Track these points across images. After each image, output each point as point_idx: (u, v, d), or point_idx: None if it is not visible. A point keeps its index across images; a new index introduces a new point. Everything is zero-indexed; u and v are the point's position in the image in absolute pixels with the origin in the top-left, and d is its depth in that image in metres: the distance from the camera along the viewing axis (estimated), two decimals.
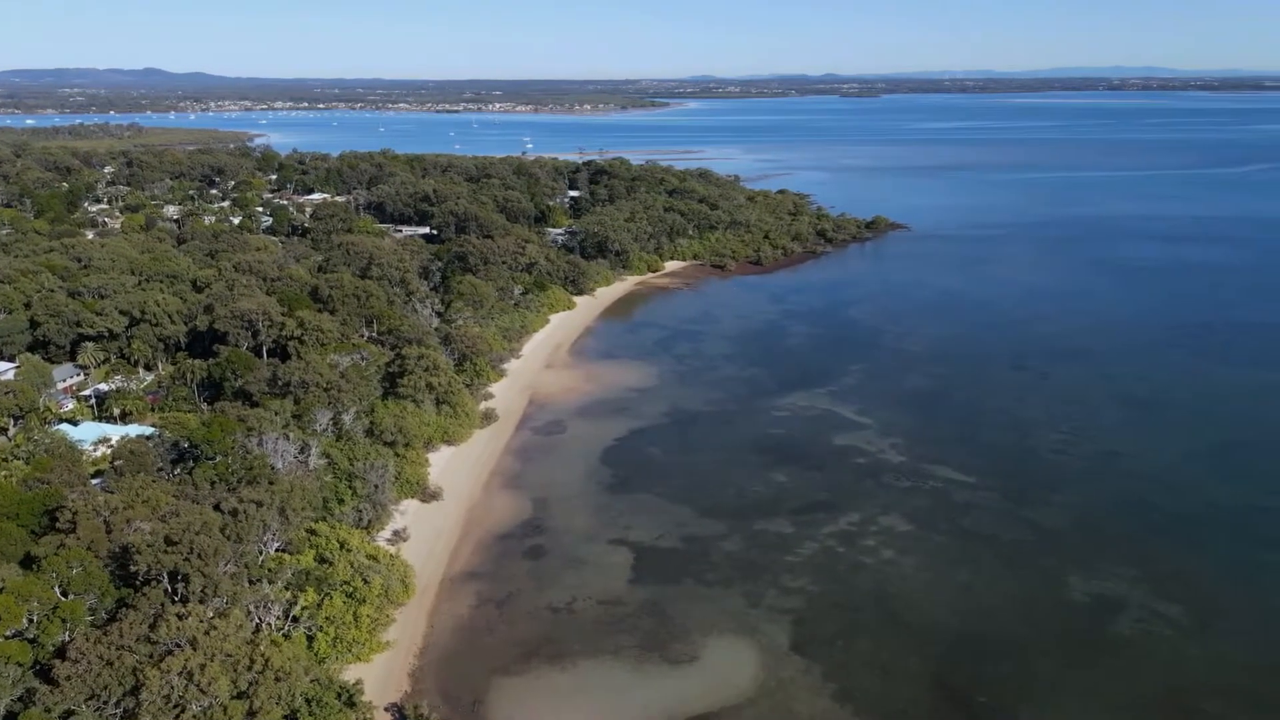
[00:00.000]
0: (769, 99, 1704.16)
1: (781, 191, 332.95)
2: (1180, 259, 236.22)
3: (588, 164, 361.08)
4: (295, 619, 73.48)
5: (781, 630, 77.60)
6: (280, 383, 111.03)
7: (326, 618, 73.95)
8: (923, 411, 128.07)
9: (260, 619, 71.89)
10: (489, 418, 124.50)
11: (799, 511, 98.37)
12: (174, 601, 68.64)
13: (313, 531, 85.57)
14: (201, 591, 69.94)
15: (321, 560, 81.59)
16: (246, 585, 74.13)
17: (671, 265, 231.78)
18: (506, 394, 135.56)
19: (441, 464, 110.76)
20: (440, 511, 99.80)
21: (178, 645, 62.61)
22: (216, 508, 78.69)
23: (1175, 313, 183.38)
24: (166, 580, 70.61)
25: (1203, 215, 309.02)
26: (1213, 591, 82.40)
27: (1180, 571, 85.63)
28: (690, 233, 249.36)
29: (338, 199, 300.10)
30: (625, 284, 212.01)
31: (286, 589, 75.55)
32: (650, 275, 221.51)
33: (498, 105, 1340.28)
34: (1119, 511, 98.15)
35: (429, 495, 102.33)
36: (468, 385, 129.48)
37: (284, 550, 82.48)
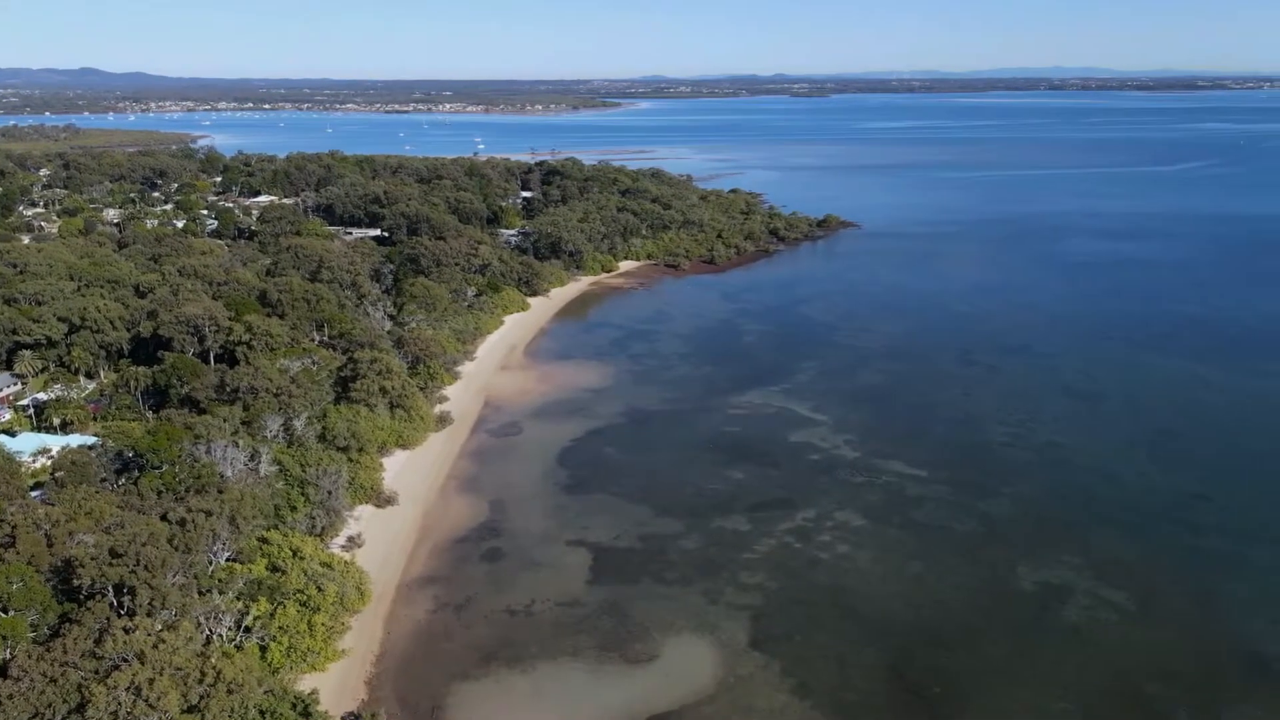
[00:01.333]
0: (720, 99, 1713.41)
1: (734, 191, 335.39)
2: (1119, 254, 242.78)
3: (540, 164, 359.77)
4: (247, 629, 72.11)
5: (740, 627, 78.15)
6: (228, 389, 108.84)
7: (280, 627, 72.69)
8: (875, 407, 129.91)
9: (211, 630, 70.41)
10: (444, 421, 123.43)
11: (756, 508, 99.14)
12: (120, 615, 66.88)
13: (264, 540, 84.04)
14: (149, 604, 68.25)
15: (274, 569, 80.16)
16: (196, 596, 72.54)
17: (626, 265, 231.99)
18: (461, 396, 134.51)
19: (396, 468, 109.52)
20: (395, 516, 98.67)
21: (125, 660, 61.02)
22: (164, 518, 76.86)
23: (1114, 306, 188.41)
24: (112, 593, 68.79)
25: (1140, 211, 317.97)
26: (1152, 577, 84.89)
27: (1122, 558, 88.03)
28: (644, 232, 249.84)
29: (285, 201, 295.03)
30: (580, 284, 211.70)
31: (238, 599, 74.09)
32: (604, 275, 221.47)
33: (448, 106, 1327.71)
34: (1064, 501, 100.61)
35: (384, 500, 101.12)
36: (422, 388, 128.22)
37: (235, 560, 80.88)
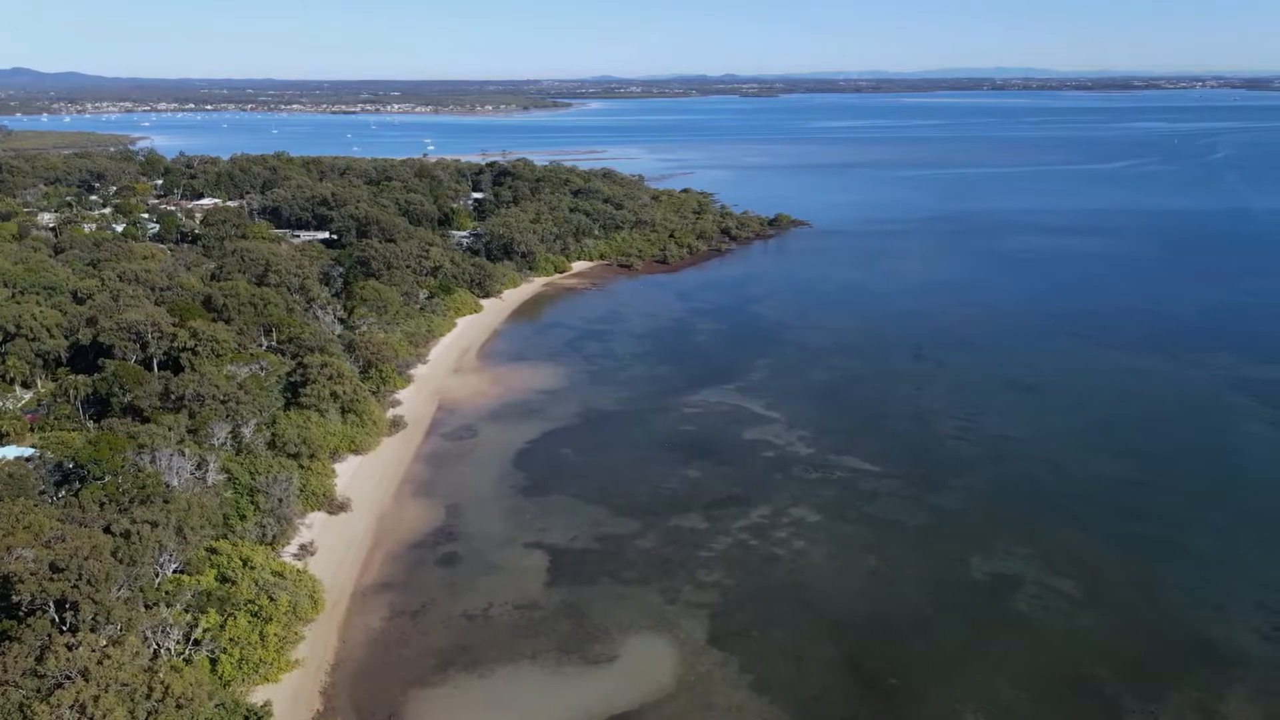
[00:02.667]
0: (670, 99, 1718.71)
1: (685, 190, 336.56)
2: (1061, 250, 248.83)
3: (491, 165, 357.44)
4: (197, 642, 70.47)
5: (698, 625, 78.46)
6: (173, 396, 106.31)
7: (230, 639, 71.17)
8: (828, 403, 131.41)
9: (158, 644, 68.67)
10: (397, 425, 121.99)
11: (712, 506, 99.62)
12: (62, 631, 64.89)
13: (213, 550, 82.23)
14: (93, 619, 66.33)
15: (224, 579, 78.49)
16: (142, 610, 70.68)
17: (579, 266, 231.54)
18: (414, 400, 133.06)
19: (349, 474, 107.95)
20: (349, 523, 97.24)
21: (68, 677, 59.23)
22: (107, 530, 74.76)
23: (1057, 301, 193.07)
24: (53, 609, 66.71)
25: (1080, 208, 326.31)
26: (1099, 564, 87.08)
27: (1070, 547, 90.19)
28: (596, 233, 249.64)
29: (230, 204, 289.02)
30: (533, 285, 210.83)
31: (186, 611, 72.38)
32: (558, 276, 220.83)
33: (396, 106, 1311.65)
34: (1012, 492, 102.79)
35: (337, 507, 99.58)
36: (374, 393, 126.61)
37: (182, 571, 78.98)
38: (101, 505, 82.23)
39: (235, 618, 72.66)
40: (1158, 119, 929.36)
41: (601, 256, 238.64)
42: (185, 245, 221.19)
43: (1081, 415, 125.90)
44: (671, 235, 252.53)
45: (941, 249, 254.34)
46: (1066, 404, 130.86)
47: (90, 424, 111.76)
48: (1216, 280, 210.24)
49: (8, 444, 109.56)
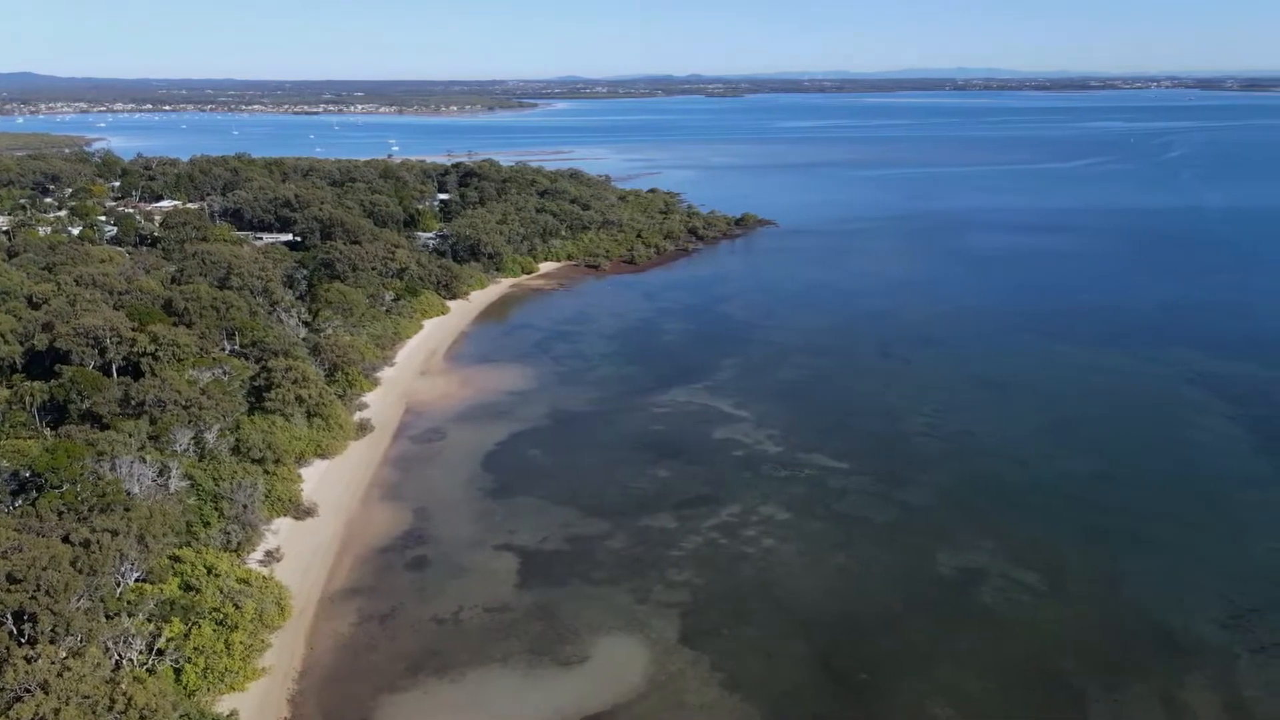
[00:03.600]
0: (637, 99, 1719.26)
1: (652, 190, 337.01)
2: (1023, 247, 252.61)
3: (457, 166, 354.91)
4: (160, 652, 69.23)
5: (669, 624, 78.56)
6: (134, 402, 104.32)
7: (195, 648, 70.04)
8: (797, 402, 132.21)
9: (120, 655, 67.38)
10: (364, 428, 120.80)
11: (682, 506, 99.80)
12: (21, 643, 63.45)
13: (176, 558, 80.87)
14: (52, 631, 64.92)
15: (187, 588, 77.23)
16: (103, 620, 69.31)
17: (546, 266, 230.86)
18: (381, 403, 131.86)
19: (315, 479, 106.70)
20: (316, 528, 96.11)
21: (27, 690, 57.93)
22: (66, 539, 73.23)
23: (1020, 298, 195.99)
24: (11, 621, 65.21)
25: (1042, 206, 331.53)
26: (1062, 557, 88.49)
27: (1034, 540, 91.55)
28: (563, 233, 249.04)
29: (190, 206, 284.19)
30: (500, 287, 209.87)
31: (149, 621, 71.10)
32: (525, 277, 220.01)
33: (360, 107, 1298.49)
34: (978, 487, 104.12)
35: (303, 512, 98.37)
36: (340, 396, 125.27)
37: (145, 580, 77.58)
38: (60, 514, 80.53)
39: (200, 626, 71.54)
40: (1115, 118, 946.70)
41: (569, 257, 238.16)
42: (144, 248, 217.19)
43: (1045, 411, 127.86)
44: (639, 235, 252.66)
45: (906, 247, 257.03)
46: (1030, 400, 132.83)
47: (47, 431, 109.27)
48: (1174, 277, 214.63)
49: None
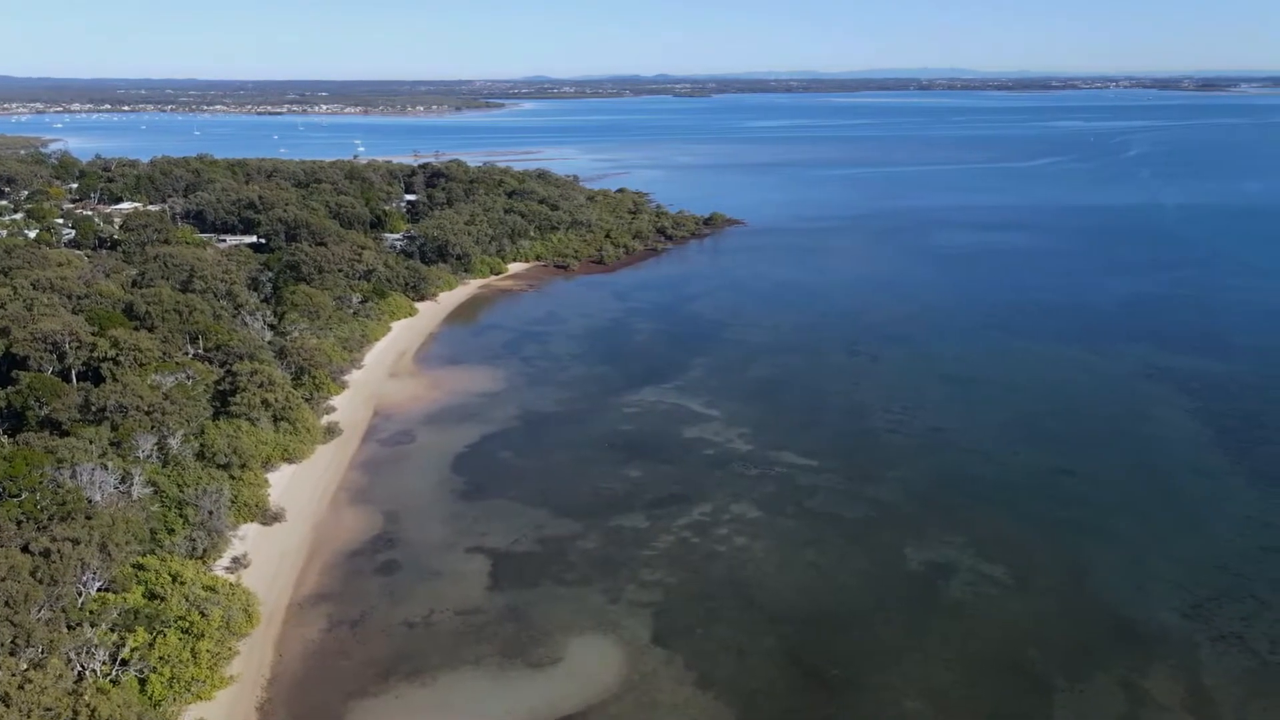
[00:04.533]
0: (604, 99, 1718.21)
1: (621, 190, 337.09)
2: (987, 245, 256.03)
3: (423, 167, 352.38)
4: (124, 662, 68.07)
5: (642, 624, 78.67)
6: (94, 408, 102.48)
7: (160, 657, 68.91)
8: (766, 400, 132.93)
9: (83, 666, 66.17)
10: (332, 432, 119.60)
11: (653, 505, 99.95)
12: None
13: (140, 566, 79.57)
14: (12, 642, 63.62)
15: (152, 596, 76.00)
16: (65, 631, 68.06)
17: (515, 267, 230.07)
18: (349, 406, 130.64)
19: (283, 483, 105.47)
20: (283, 533, 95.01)
21: None
22: (25, 549, 71.81)
23: (985, 295, 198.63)
24: None
25: (1004, 205, 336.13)
26: (1027, 551, 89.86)
27: (1001, 534, 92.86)
28: (532, 234, 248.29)
29: (151, 208, 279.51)
30: (468, 288, 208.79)
31: (112, 631, 69.88)
32: (494, 278, 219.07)
33: (325, 107, 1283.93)
34: (946, 483, 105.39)
35: (270, 517, 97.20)
36: (307, 399, 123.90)
37: (108, 589, 76.25)
38: (19, 523, 78.87)
39: (165, 635, 70.42)
40: (1074, 118, 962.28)
41: (538, 258, 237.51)
42: (104, 251, 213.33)
43: (1010, 406, 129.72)
44: (608, 235, 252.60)
45: (873, 246, 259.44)
46: (995, 396, 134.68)
47: (4, 439, 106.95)
48: (1132, 273, 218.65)
49: None
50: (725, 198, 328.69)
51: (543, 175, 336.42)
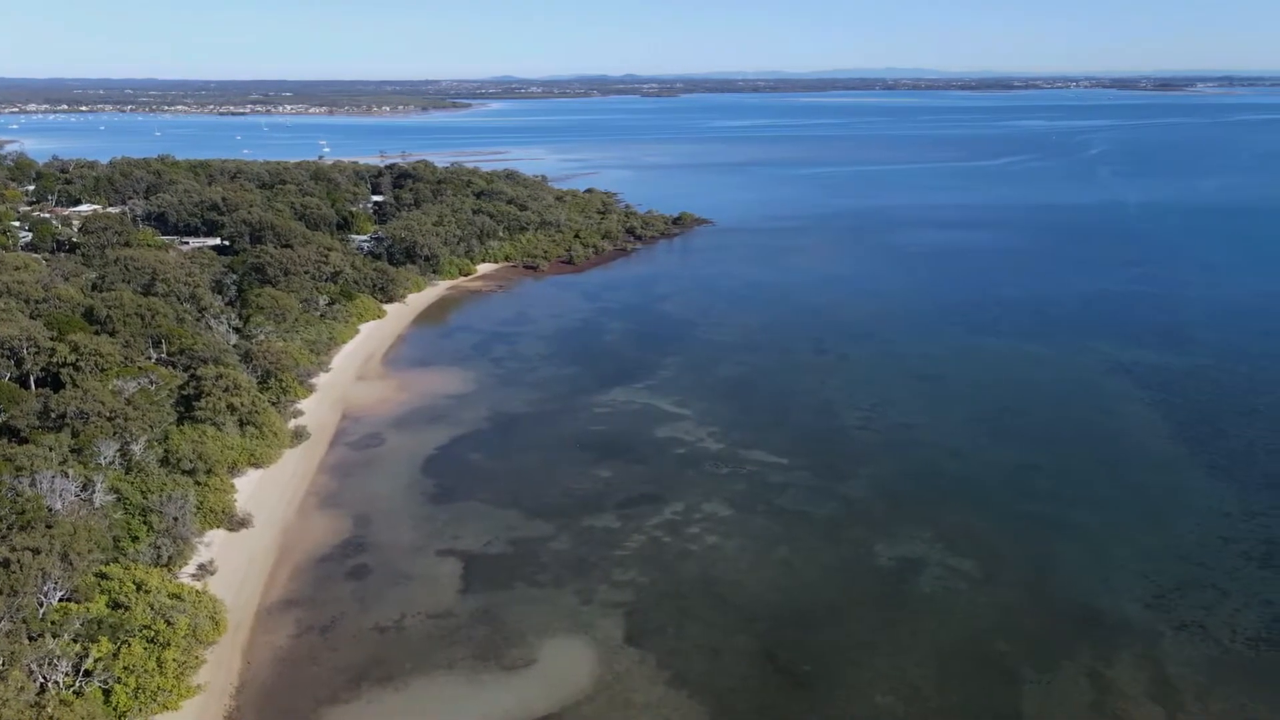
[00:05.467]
0: (572, 99, 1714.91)
1: (589, 190, 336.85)
2: (953, 243, 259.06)
3: (391, 167, 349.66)
4: (88, 673, 66.81)
5: (615, 624, 78.65)
6: (54, 415, 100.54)
7: (125, 667, 67.73)
8: (736, 399, 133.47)
9: (45, 678, 64.84)
10: (299, 436, 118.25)
11: (625, 505, 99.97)
12: None
13: (103, 575, 78.13)
14: None
15: (116, 605, 74.66)
16: (26, 642, 66.61)
17: (484, 268, 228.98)
18: (317, 409, 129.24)
19: (250, 489, 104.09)
20: (251, 539, 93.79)
21: None
22: None
23: (951, 292, 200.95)
24: None
25: (969, 203, 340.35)
26: (995, 544, 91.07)
27: (968, 529, 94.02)
28: (501, 234, 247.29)
29: (111, 210, 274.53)
30: (437, 289, 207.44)
31: (75, 641, 68.53)
32: (462, 279, 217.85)
33: (289, 107, 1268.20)
34: (914, 479, 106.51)
35: (237, 523, 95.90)
36: (274, 403, 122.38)
37: (70, 599, 74.79)
38: None
39: (129, 645, 69.20)
40: (1036, 117, 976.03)
41: (507, 258, 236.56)
42: (62, 254, 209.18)
43: (976, 402, 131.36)
44: (577, 236, 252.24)
45: (840, 244, 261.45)
46: (962, 392, 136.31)
47: None
48: (1094, 270, 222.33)
49: None
50: (694, 197, 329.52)
51: (511, 176, 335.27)
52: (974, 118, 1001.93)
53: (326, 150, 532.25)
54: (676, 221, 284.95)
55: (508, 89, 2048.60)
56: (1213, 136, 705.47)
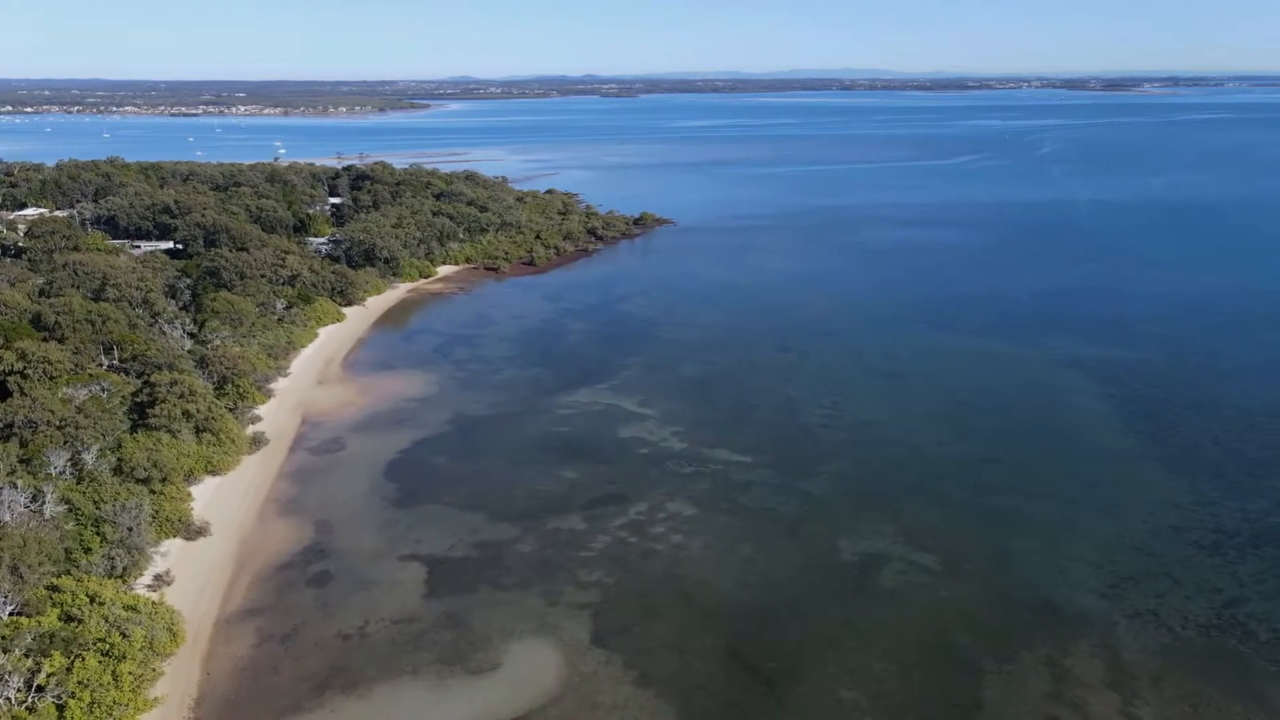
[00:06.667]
0: (531, 99, 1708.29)
1: (550, 191, 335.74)
2: (911, 241, 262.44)
3: (348, 169, 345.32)
4: (40, 689, 65.17)
5: (581, 625, 78.54)
6: (1, 424, 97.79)
7: (79, 682, 66.16)
8: (700, 398, 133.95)
9: None
10: (258, 442, 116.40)
11: (589, 506, 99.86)
12: None
13: (55, 588, 76.27)
14: None
15: (69, 619, 72.92)
16: None
17: (444, 270, 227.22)
18: (276, 415, 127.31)
19: (207, 496, 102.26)
20: (209, 548, 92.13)
21: None
22: None
23: (910, 289, 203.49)
24: None
25: (927, 202, 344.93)
26: (955, 538, 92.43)
27: (928, 523, 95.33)
28: (461, 236, 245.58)
29: (58, 214, 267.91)
30: (397, 292, 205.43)
31: (27, 656, 66.78)
32: (423, 281, 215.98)
33: (242, 108, 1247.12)
34: (876, 475, 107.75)
35: (194, 532, 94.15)
36: (231, 409, 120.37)
37: (20, 613, 72.92)
38: None
39: (83, 659, 67.62)
40: (990, 117, 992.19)
41: (467, 260, 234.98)
42: (8, 259, 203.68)
43: (935, 398, 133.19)
44: (538, 237, 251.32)
45: (800, 243, 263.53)
46: (922, 388, 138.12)
47: None
48: (1047, 267, 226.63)
49: None
50: (654, 197, 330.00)
51: (471, 177, 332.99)
52: (930, 117, 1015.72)
53: (282, 152, 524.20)
54: (638, 222, 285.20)
55: (466, 89, 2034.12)
56: (1159, 135, 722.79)
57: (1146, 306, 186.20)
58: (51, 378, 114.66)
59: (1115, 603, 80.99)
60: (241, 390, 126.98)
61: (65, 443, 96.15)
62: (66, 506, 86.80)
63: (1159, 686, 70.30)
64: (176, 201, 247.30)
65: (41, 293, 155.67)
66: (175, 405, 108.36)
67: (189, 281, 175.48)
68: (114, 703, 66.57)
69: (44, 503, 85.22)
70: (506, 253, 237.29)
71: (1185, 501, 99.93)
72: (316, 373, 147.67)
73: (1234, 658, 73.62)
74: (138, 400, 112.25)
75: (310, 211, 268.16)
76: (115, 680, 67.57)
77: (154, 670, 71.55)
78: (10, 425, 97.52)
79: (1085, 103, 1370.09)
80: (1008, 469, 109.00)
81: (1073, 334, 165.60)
